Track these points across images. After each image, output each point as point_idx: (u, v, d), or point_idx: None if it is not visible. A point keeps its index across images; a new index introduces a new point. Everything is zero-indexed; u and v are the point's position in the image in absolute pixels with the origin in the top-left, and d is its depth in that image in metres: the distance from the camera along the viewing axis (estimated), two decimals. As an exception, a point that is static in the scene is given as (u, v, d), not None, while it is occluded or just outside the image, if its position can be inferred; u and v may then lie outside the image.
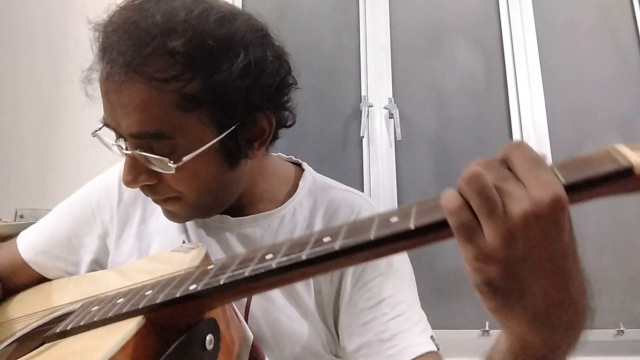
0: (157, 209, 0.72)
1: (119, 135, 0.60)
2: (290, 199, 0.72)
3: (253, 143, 0.63)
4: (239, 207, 0.70)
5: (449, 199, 0.34)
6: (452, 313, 1.62)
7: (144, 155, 0.57)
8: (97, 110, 0.59)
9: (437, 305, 1.62)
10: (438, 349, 0.62)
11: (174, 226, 0.71)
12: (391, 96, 1.77)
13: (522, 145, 0.34)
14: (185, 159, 0.57)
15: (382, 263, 0.66)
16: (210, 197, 0.64)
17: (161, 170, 0.58)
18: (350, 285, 0.66)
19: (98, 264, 0.75)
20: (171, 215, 0.66)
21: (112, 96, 0.56)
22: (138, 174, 0.59)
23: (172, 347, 0.42)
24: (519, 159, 0.34)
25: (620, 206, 1.67)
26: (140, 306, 0.46)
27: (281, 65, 0.63)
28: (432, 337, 0.63)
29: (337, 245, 0.38)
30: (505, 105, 1.78)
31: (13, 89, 1.59)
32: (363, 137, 1.72)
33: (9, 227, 1.10)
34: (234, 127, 0.59)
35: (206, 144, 0.58)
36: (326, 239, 0.40)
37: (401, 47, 1.84)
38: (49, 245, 0.75)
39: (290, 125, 0.68)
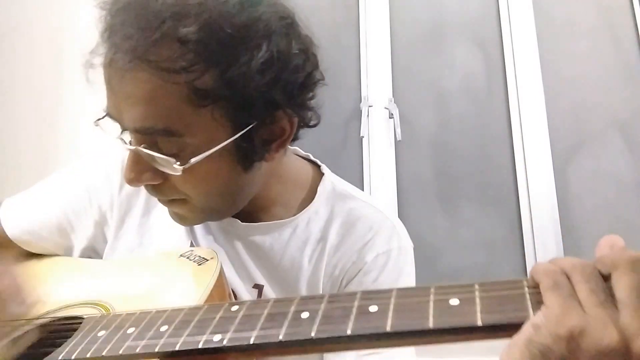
0: None
1: (123, 128, 0.54)
2: (307, 207, 0.66)
3: (270, 144, 0.57)
4: (250, 211, 0.65)
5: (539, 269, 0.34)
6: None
7: (149, 153, 0.52)
8: (99, 105, 0.57)
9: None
10: None
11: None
12: (391, 96, 1.76)
13: (635, 267, 0.31)
14: (193, 160, 0.51)
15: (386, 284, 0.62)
16: (221, 202, 0.59)
17: (167, 171, 0.53)
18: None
19: (94, 251, 0.70)
20: (178, 218, 0.61)
21: (116, 85, 0.51)
22: (142, 172, 0.54)
23: None
24: (625, 287, 0.31)
25: (620, 206, 1.67)
26: (156, 350, 0.42)
27: (308, 59, 0.56)
28: None
29: (388, 326, 0.35)
30: (505, 105, 1.77)
31: (12, 88, 1.59)
32: (363, 137, 1.72)
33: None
34: (250, 126, 0.53)
35: (218, 144, 0.52)
36: (372, 309, 0.36)
37: (401, 47, 1.84)
38: (37, 225, 0.69)
39: (314, 125, 0.61)
